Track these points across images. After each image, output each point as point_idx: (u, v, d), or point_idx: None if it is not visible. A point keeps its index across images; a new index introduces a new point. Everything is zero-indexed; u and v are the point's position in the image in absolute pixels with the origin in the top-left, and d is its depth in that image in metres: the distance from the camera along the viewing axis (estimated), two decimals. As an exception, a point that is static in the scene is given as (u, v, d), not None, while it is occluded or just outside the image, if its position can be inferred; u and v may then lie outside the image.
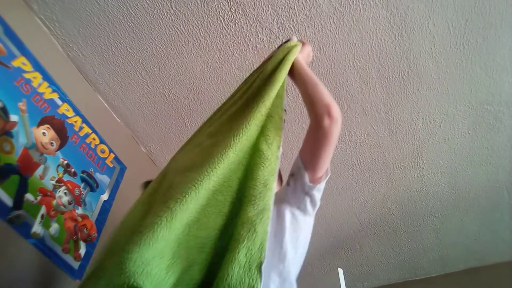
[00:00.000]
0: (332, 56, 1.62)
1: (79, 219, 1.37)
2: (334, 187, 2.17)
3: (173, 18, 1.47)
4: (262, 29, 1.52)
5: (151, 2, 1.42)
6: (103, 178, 1.55)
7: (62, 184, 1.34)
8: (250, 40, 1.55)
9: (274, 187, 0.79)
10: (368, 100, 1.77)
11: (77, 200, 1.39)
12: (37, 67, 1.35)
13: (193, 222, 0.72)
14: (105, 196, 1.54)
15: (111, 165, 1.63)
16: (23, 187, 1.17)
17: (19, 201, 1.14)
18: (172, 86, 1.69)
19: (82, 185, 1.43)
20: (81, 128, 1.50)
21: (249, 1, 1.44)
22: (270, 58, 1.03)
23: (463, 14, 1.49)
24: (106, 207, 1.53)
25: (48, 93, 1.37)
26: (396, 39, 1.57)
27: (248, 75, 1.09)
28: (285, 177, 0.98)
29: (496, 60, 1.64)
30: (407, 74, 1.68)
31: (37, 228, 1.18)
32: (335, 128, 0.85)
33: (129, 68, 1.62)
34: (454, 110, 1.82)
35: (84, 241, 1.37)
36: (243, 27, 1.51)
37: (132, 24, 1.48)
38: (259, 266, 0.68)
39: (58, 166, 1.34)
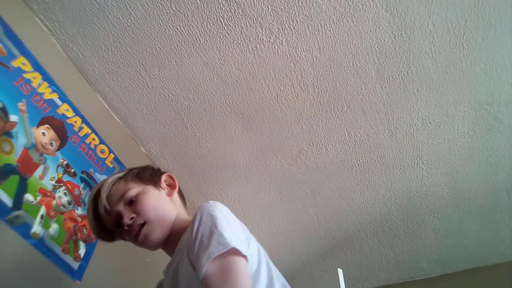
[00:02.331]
0: (331, 56, 1.62)
1: (79, 219, 1.37)
2: (334, 187, 2.17)
3: (173, 18, 1.47)
4: (262, 29, 1.52)
5: (150, 2, 1.43)
6: (102, 179, 1.55)
7: (62, 184, 1.33)
8: (250, 40, 1.55)
9: None
10: (368, 100, 1.77)
11: (77, 201, 1.39)
12: (37, 67, 1.35)
13: None
14: (104, 197, 1.54)
15: (111, 165, 1.63)
16: (22, 187, 1.17)
17: (18, 201, 1.14)
18: (171, 87, 1.69)
19: (81, 185, 1.43)
20: (80, 128, 1.50)
21: (249, 2, 1.44)
22: None
23: (463, 14, 1.50)
24: (105, 208, 1.53)
25: (48, 93, 1.37)
26: (395, 40, 1.57)
27: None
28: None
29: (496, 60, 1.64)
30: (406, 74, 1.68)
31: (36, 228, 1.18)
32: None
33: (129, 68, 1.62)
34: (453, 110, 1.82)
35: (84, 241, 1.37)
36: (243, 28, 1.51)
37: (132, 24, 1.48)
38: None
39: (58, 166, 1.34)
